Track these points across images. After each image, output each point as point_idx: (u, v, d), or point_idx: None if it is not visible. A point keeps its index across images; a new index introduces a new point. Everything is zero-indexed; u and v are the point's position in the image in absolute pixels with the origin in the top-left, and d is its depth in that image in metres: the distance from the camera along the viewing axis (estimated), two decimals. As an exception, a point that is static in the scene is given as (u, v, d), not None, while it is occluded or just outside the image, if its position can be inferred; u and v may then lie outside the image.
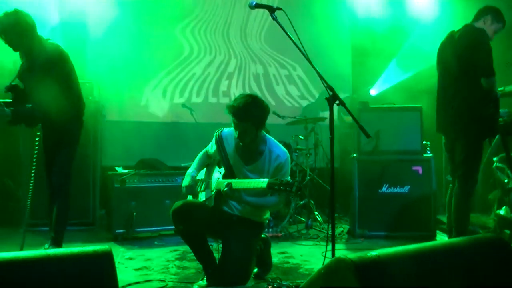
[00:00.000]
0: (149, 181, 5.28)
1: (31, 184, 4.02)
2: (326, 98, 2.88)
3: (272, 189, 3.08)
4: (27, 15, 3.86)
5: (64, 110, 3.99)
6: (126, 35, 7.06)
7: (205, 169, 3.77)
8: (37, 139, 4.11)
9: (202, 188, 3.58)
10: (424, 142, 5.49)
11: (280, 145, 3.58)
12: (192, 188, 3.59)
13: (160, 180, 5.32)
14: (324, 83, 2.91)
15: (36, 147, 4.07)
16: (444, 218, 5.04)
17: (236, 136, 3.42)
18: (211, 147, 3.70)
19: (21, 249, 3.91)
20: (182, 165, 5.87)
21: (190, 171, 3.67)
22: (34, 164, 4.01)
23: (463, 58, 4.31)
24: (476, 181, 4.41)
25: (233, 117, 3.34)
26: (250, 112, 3.32)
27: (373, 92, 7.75)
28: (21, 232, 5.19)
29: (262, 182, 3.13)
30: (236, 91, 7.62)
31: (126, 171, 5.32)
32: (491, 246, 2.32)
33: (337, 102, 2.87)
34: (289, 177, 3.29)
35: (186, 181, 3.61)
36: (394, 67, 7.75)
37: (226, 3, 7.70)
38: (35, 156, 4.02)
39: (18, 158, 5.49)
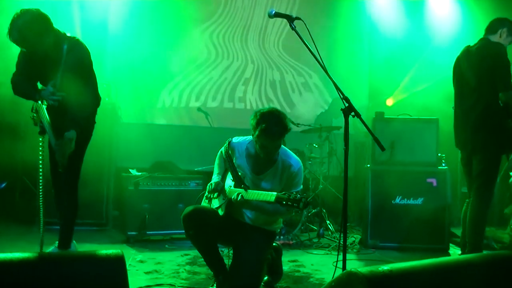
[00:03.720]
0: (162, 184, 5.31)
1: (41, 182, 3.94)
2: (341, 109, 2.88)
3: (280, 204, 3.08)
4: (39, 11, 3.68)
5: (86, 106, 3.89)
6: (145, 37, 7.14)
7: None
8: (40, 138, 3.91)
9: (215, 195, 3.59)
10: (439, 154, 5.45)
11: (293, 154, 3.57)
12: (219, 186, 3.56)
13: (173, 183, 5.35)
14: (340, 94, 2.90)
15: (40, 144, 3.89)
16: (457, 231, 4.99)
17: (264, 155, 3.39)
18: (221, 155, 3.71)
19: (41, 249, 3.88)
20: (196, 169, 5.90)
21: (214, 177, 3.69)
22: (40, 162, 3.91)
23: (481, 72, 4.28)
24: (492, 195, 4.37)
25: (268, 138, 3.30)
26: (285, 129, 3.32)
27: (389, 102, 7.72)
28: (38, 231, 5.29)
29: (271, 196, 3.14)
30: (252, 97, 7.64)
31: (140, 173, 5.36)
32: (506, 264, 2.29)
33: (353, 113, 2.86)
34: (301, 186, 3.28)
35: (214, 179, 3.64)
36: (411, 78, 7.72)
37: (245, 9, 7.73)
38: (40, 154, 3.88)
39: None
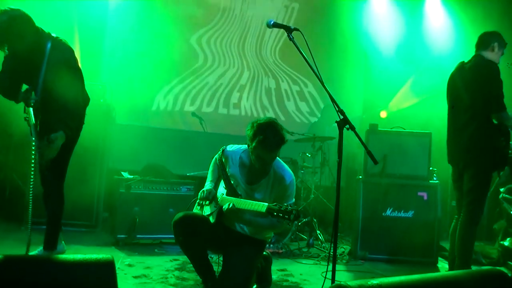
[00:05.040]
0: (154, 188, 5.29)
1: (31, 182, 3.91)
2: (336, 122, 2.89)
3: (271, 215, 3.08)
4: (19, 12, 3.66)
5: (72, 105, 3.83)
6: (141, 40, 7.15)
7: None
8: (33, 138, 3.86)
9: (207, 202, 3.58)
10: (431, 168, 5.48)
11: (286, 166, 3.57)
12: (211, 194, 3.54)
13: (165, 188, 5.33)
14: (335, 106, 2.92)
15: (33, 144, 3.81)
16: (447, 245, 5.01)
17: (259, 165, 3.38)
18: (215, 163, 3.71)
19: (27, 251, 3.85)
20: (188, 174, 5.90)
21: (206, 184, 3.67)
22: (33, 160, 3.88)
23: (475, 91, 4.30)
24: (482, 211, 4.38)
25: (265, 150, 3.29)
26: (282, 141, 3.33)
27: (383, 114, 7.75)
28: (21, 230, 5.26)
29: (262, 206, 3.14)
30: (246, 104, 7.66)
31: (132, 176, 5.34)
32: (494, 281, 2.30)
33: (347, 126, 2.87)
34: (293, 199, 3.28)
35: (207, 186, 3.63)
36: (406, 91, 7.77)
37: (243, 16, 7.76)
38: (33, 152, 3.82)
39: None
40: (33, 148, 3.80)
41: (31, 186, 3.81)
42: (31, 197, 3.79)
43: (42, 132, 3.79)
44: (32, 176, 3.81)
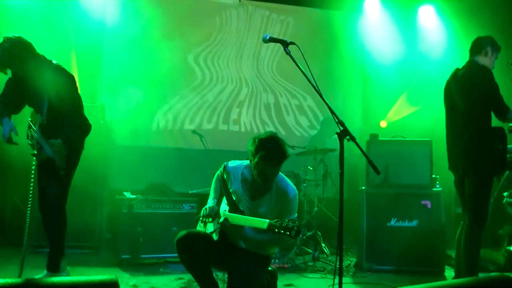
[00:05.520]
0: (156, 207, 5.28)
1: (29, 205, 3.97)
2: (336, 133, 2.88)
3: (272, 231, 3.08)
4: (20, 39, 3.92)
5: (77, 128, 4.04)
6: (139, 60, 7.17)
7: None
8: (33, 163, 4.02)
9: (210, 219, 3.57)
10: (433, 176, 5.47)
11: (289, 180, 3.56)
12: (214, 211, 3.53)
13: (167, 206, 5.32)
14: (335, 117, 2.92)
15: (33, 167, 4.01)
16: (453, 253, 4.98)
17: (262, 181, 3.38)
18: (217, 179, 3.71)
19: (20, 275, 3.85)
20: (190, 192, 5.89)
21: (209, 201, 3.66)
22: (31, 186, 3.98)
23: (469, 96, 4.33)
24: (486, 216, 4.35)
25: (268, 165, 3.29)
26: (284, 156, 3.33)
27: (383, 124, 7.76)
28: (28, 254, 5.23)
29: (263, 223, 3.14)
30: (246, 120, 7.67)
31: (134, 196, 5.34)
32: (501, 286, 2.29)
33: (348, 137, 2.87)
34: (295, 214, 3.28)
35: (209, 203, 3.62)
36: (404, 99, 7.79)
37: (240, 32, 7.80)
38: (32, 177, 3.99)
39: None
40: (33, 168, 3.89)
41: (29, 207, 3.86)
42: (28, 219, 3.85)
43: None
44: (30, 197, 3.87)
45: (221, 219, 3.33)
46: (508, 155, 4.40)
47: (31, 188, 3.94)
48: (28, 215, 3.93)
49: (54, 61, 4.05)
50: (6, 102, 4.02)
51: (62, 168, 3.93)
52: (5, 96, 4.05)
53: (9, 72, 4.01)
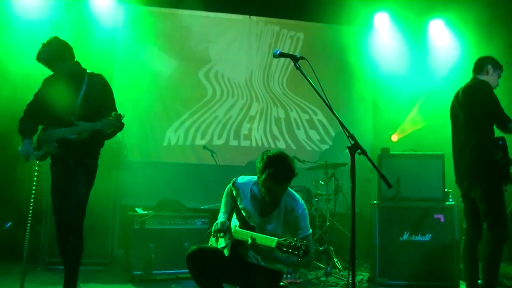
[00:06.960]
0: (168, 223, 5.29)
1: (29, 221, 4.01)
2: (347, 147, 2.89)
3: (280, 250, 3.08)
4: (60, 39, 4.12)
5: (98, 139, 4.10)
6: (150, 76, 7.24)
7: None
8: (35, 173, 4.16)
9: (221, 234, 3.56)
10: (446, 189, 5.42)
11: (298, 195, 3.54)
12: (225, 226, 3.51)
13: (179, 222, 5.33)
14: (346, 131, 2.92)
15: (34, 182, 4.12)
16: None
17: (270, 198, 3.37)
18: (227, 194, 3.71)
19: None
20: (202, 207, 5.88)
21: (220, 215, 3.66)
22: (32, 201, 4.04)
23: (469, 110, 4.42)
24: (506, 229, 4.29)
25: (276, 183, 3.27)
26: (293, 174, 3.31)
27: (394, 138, 7.73)
28: (37, 270, 5.25)
29: (272, 241, 3.14)
30: (257, 135, 7.69)
31: (146, 212, 5.35)
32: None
33: (359, 151, 2.87)
34: (310, 230, 3.33)
35: (220, 218, 3.61)
36: (416, 113, 7.76)
37: (250, 48, 7.85)
38: (33, 192, 4.05)
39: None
40: (34, 188, 3.92)
41: (28, 224, 3.90)
42: (27, 236, 3.88)
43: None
44: (30, 214, 3.90)
45: (249, 242, 3.30)
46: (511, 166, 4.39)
47: (31, 206, 3.99)
48: (27, 231, 3.98)
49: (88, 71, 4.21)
50: (29, 115, 4.18)
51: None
52: (30, 108, 4.19)
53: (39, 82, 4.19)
